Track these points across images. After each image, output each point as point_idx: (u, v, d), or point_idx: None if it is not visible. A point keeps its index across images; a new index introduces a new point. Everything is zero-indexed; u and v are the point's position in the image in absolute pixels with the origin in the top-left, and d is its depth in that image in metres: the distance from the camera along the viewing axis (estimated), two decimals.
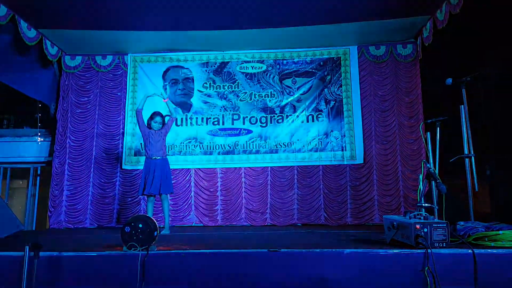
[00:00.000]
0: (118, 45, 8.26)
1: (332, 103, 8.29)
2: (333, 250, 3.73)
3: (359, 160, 8.01)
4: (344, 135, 8.12)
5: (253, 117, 8.31)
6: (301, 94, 8.34)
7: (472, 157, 4.62)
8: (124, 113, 8.42)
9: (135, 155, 8.29)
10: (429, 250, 3.47)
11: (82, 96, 8.55)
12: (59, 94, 8.72)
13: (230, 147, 8.22)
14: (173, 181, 8.11)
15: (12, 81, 9.88)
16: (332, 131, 8.19)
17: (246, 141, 8.23)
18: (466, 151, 4.65)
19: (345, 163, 8.06)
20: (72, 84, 8.62)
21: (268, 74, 8.44)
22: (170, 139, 8.17)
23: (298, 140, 8.18)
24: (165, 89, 8.50)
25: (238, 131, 8.28)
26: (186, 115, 8.38)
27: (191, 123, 8.34)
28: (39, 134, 11.75)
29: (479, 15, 5.69)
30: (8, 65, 8.17)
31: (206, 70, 8.53)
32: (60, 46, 8.25)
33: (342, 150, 8.08)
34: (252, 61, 8.51)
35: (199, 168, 8.20)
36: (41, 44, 7.66)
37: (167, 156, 6.66)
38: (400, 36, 8.06)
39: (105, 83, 8.57)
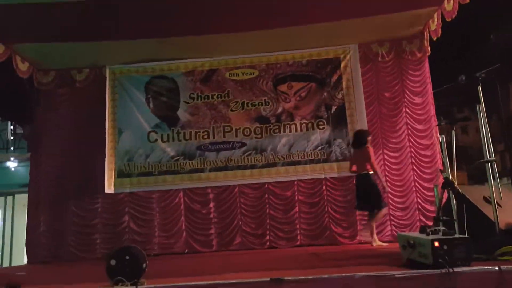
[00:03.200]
0: (94, 57, 8.21)
1: (334, 108, 8.25)
2: (343, 275, 3.64)
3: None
4: (349, 143, 8.04)
5: (247, 128, 8.24)
6: (299, 100, 8.30)
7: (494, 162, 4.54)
8: (104, 131, 8.27)
9: (118, 176, 8.18)
10: (450, 270, 3.38)
11: (58, 115, 8.48)
12: (32, 114, 8.63)
13: (222, 163, 8.13)
14: (162, 204, 8.06)
15: None
16: (335, 139, 8.12)
17: (240, 155, 8.14)
18: (486, 156, 4.57)
19: (352, 174, 7.96)
20: (46, 103, 8.56)
21: (261, 80, 8.39)
22: (156, 157, 8.15)
23: (297, 151, 8.10)
24: (148, 102, 8.44)
25: (230, 145, 8.20)
26: (173, 129, 8.30)
27: (178, 138, 8.25)
28: (12, 159, 11.71)
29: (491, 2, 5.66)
30: None
31: (192, 79, 8.48)
32: (32, 61, 8.15)
33: (348, 159, 7.97)
34: (243, 66, 8.47)
35: (189, 188, 8.12)
36: (10, 61, 7.53)
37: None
38: (405, 31, 8.00)
39: (82, 99, 8.50)
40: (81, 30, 7.11)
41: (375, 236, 6.77)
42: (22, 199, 10.75)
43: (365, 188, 6.73)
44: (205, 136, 8.25)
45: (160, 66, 8.55)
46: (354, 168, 6.98)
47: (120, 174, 8.20)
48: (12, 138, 12.49)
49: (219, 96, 8.38)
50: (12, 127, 12.44)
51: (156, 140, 8.26)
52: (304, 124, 8.21)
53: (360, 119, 8.08)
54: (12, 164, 11.67)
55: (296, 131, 8.21)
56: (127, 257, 3.82)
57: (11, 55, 7.50)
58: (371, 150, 6.84)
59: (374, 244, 6.66)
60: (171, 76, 8.52)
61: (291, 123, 8.23)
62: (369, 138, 7.02)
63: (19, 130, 12.04)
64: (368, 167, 6.70)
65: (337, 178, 8.02)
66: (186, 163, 8.14)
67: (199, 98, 8.41)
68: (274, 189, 8.09)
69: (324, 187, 8.02)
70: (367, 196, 6.69)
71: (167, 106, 8.44)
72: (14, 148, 12.33)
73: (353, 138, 7.27)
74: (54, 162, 8.33)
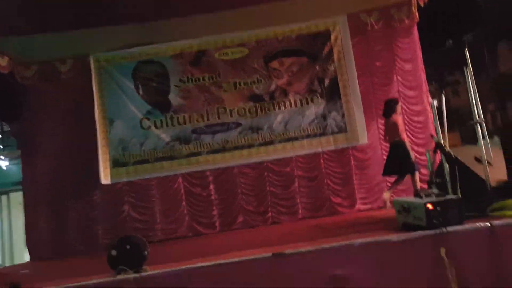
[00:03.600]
0: (77, 46, 8.14)
1: (327, 81, 8.39)
2: (343, 243, 3.86)
3: (363, 140, 8.14)
4: (343, 115, 8.23)
5: (241, 108, 8.36)
6: (291, 76, 8.41)
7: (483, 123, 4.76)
8: (94, 122, 8.31)
9: (114, 166, 8.28)
10: (444, 229, 3.60)
11: (46, 109, 8.44)
12: (19, 110, 8.56)
13: (219, 145, 8.26)
14: (161, 190, 8.27)
15: None
16: (330, 112, 8.30)
17: (237, 136, 8.29)
18: (475, 117, 4.79)
19: (348, 145, 8.20)
20: (32, 97, 8.48)
21: (252, 58, 8.45)
22: (151, 144, 8.25)
23: (293, 127, 8.27)
24: (137, 88, 8.45)
25: (226, 126, 8.34)
26: (165, 115, 8.35)
27: (172, 123, 8.33)
28: (2, 158, 11.73)
29: None
30: None
31: (181, 62, 8.48)
32: (11, 55, 8.00)
33: (343, 131, 8.20)
34: (232, 45, 8.51)
35: (187, 173, 8.29)
36: None
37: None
38: None
39: (69, 91, 8.43)
40: (59, 20, 7.12)
41: (391, 192, 7.14)
42: (17, 197, 10.86)
43: (398, 155, 6.91)
44: (200, 119, 8.32)
45: (147, 51, 8.50)
46: (386, 138, 7.29)
47: (116, 164, 8.28)
48: (0, 136, 12.43)
49: (210, 77, 8.41)
50: None
51: (150, 127, 8.32)
52: (298, 100, 8.35)
53: (353, 91, 8.25)
54: (3, 163, 11.69)
55: (290, 107, 8.35)
56: (128, 246, 3.99)
57: None
58: (398, 119, 7.10)
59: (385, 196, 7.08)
60: (158, 60, 8.50)
61: (285, 99, 8.36)
62: (397, 106, 7.25)
63: (7, 128, 12.02)
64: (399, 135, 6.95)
65: (334, 150, 8.24)
66: (182, 147, 8.23)
67: (190, 81, 8.43)
68: (273, 167, 8.30)
69: (322, 160, 8.26)
70: (397, 162, 6.91)
71: (157, 92, 8.45)
72: (3, 146, 12.27)
73: (383, 108, 7.43)
74: (46, 157, 8.32)
